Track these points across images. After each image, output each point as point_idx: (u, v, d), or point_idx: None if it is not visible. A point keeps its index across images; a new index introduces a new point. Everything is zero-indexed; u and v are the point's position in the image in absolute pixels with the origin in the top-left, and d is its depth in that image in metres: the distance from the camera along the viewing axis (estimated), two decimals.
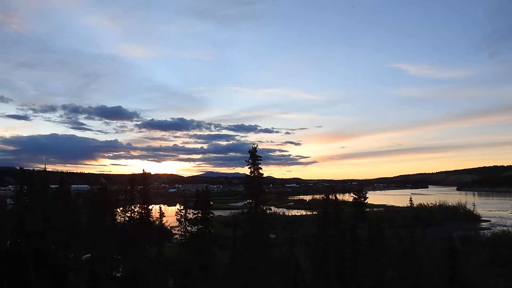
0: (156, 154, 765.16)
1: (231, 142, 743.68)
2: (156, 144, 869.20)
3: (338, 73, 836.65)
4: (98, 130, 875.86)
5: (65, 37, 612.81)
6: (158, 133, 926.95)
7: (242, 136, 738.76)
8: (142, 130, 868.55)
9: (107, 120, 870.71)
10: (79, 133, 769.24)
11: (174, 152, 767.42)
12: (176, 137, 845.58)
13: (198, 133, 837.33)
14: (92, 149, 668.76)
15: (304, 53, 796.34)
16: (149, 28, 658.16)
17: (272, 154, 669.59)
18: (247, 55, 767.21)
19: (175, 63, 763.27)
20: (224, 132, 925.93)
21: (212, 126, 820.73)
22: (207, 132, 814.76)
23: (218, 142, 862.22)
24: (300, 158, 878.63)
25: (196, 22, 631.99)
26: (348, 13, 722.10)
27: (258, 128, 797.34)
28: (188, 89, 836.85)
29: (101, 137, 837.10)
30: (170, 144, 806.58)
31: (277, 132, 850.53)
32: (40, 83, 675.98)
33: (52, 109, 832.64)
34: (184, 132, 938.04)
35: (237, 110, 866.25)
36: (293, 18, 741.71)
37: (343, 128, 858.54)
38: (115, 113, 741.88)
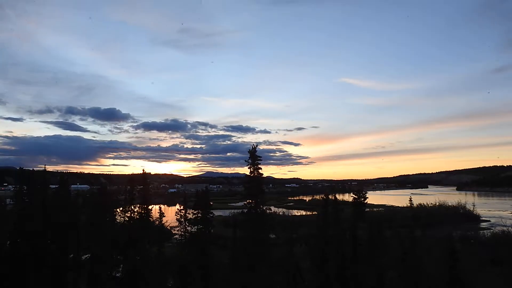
0: (155, 154, 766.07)
1: (229, 143, 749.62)
2: (155, 144, 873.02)
3: (297, 87, 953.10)
4: (96, 132, 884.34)
5: (56, 60, 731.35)
6: (157, 134, 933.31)
7: (239, 137, 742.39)
8: (139, 131, 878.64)
9: (103, 122, 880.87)
10: (77, 135, 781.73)
11: (174, 152, 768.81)
12: (174, 137, 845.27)
13: (196, 133, 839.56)
14: (92, 150, 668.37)
15: (263, 73, 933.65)
16: (127, 54, 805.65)
17: (271, 154, 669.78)
18: (215, 73, 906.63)
19: (154, 80, 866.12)
20: (222, 133, 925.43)
21: (209, 127, 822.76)
22: (204, 133, 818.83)
23: (217, 142, 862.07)
24: (300, 159, 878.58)
25: (166, 49, 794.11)
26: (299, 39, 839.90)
27: (256, 129, 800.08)
28: (169, 99, 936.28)
29: (101, 138, 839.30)
30: (169, 144, 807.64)
31: (276, 132, 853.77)
32: (37, 96, 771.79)
33: (49, 111, 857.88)
34: (182, 133, 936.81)
35: (222, 116, 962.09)
36: (249, 47, 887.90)
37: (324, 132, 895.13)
38: (110, 115, 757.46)
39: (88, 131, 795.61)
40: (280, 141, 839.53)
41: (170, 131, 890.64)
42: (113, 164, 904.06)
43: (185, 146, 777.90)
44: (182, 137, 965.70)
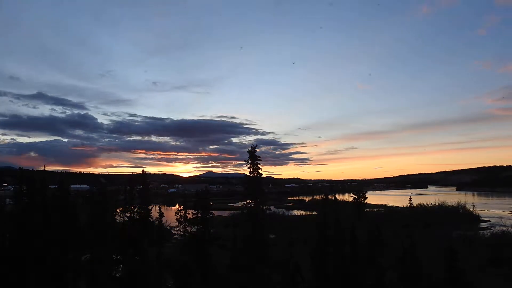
0: (155, 154, 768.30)
1: (227, 143, 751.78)
2: (154, 144, 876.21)
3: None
4: (95, 132, 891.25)
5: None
6: (155, 135, 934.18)
7: (237, 138, 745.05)
8: (135, 133, 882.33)
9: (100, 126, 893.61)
10: (77, 135, 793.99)
11: (173, 152, 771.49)
12: (172, 138, 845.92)
13: (195, 134, 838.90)
14: (92, 151, 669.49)
15: None
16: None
17: (271, 154, 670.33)
18: None
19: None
20: (220, 133, 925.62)
21: (207, 127, 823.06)
22: (202, 134, 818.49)
23: (216, 142, 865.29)
24: (300, 159, 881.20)
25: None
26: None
27: (253, 130, 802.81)
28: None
29: (101, 139, 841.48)
30: (168, 144, 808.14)
31: (274, 133, 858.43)
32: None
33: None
34: (180, 134, 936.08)
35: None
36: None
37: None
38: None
39: (87, 132, 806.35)
40: (279, 141, 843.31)
41: (167, 132, 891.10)
42: (113, 165, 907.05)
43: (185, 146, 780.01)
44: (181, 137, 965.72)
